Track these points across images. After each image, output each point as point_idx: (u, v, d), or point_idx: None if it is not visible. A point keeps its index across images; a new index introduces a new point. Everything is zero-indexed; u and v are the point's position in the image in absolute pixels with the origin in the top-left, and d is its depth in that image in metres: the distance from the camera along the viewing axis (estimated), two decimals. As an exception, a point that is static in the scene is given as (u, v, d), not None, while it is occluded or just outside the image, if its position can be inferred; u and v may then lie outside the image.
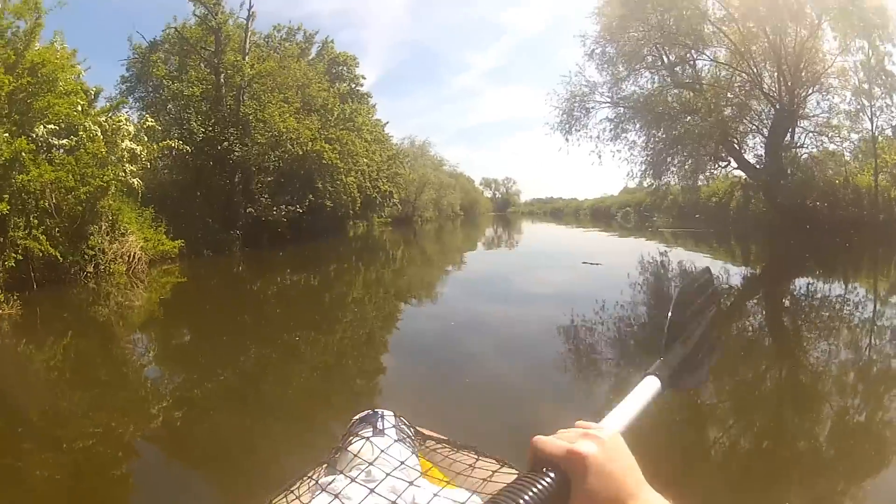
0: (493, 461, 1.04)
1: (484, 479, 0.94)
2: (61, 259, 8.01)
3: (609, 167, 50.84)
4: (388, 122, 26.13)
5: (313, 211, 17.38)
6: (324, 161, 17.44)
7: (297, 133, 16.42)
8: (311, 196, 17.12)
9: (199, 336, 6.20)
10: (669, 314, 0.87)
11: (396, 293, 8.93)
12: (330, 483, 0.84)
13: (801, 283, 9.06)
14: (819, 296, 7.47)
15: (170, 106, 16.67)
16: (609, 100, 21.40)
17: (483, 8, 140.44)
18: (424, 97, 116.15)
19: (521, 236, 27.77)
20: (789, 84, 17.86)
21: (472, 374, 4.11)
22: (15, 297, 6.55)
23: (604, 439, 0.50)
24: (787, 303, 7.28)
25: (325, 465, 0.96)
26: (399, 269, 12.97)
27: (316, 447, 2.76)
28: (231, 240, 14.44)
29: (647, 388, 0.72)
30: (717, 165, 21.32)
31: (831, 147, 18.21)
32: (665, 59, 20.26)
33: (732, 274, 9.86)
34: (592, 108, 21.61)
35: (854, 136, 17.83)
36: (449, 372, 4.22)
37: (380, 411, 1.12)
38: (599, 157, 22.08)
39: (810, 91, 18.28)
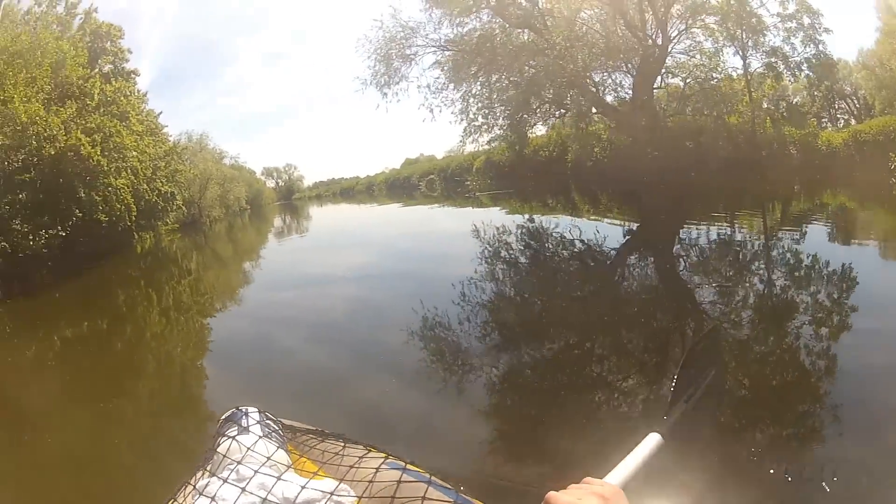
0: (361, 447, 1.10)
1: (351, 466, 1.01)
2: None
3: (387, 139, 45.83)
4: (161, 113, 21.61)
5: (88, 229, 13.44)
6: (84, 161, 13.48)
7: (46, 124, 12.39)
8: (76, 211, 13.10)
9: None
10: (676, 374, 0.94)
11: (200, 310, 8.03)
12: (206, 487, 0.88)
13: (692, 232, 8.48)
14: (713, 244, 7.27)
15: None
16: (435, 43, 17.72)
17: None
18: (201, 92, 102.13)
19: (309, 222, 27.23)
20: (661, 19, 16.09)
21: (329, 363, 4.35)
22: None
23: (609, 497, 0.59)
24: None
25: (201, 470, 0.98)
26: (196, 281, 11.30)
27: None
28: (-14, 294, 10.05)
29: (649, 443, 0.82)
30: (558, 113, 18.98)
31: (704, 86, 16.55)
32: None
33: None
34: (415, 53, 17.79)
35: (719, 75, 16.59)
36: (297, 363, 4.43)
37: (244, 408, 1.14)
38: (431, 111, 18.06)
39: (683, 28, 16.58)
